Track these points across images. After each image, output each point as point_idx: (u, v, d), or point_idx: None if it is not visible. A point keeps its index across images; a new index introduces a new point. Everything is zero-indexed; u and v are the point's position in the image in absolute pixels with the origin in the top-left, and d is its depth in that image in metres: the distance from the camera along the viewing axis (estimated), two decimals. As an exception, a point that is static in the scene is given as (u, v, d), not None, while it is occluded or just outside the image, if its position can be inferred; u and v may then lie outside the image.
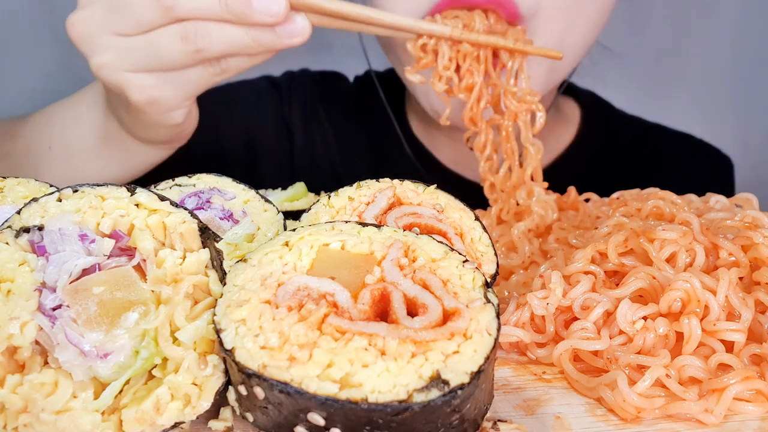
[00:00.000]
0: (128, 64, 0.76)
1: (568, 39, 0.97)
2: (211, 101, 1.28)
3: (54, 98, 1.00)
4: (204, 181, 0.68)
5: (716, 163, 1.38)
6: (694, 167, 1.35)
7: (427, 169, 1.26)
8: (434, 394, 0.41)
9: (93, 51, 0.76)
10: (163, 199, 0.52)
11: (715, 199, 0.78)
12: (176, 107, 0.82)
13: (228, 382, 0.47)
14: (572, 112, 1.34)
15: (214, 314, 0.46)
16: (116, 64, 0.76)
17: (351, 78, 1.42)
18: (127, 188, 0.52)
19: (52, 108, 1.00)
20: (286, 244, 0.51)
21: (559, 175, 1.26)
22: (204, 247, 0.51)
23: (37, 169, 0.97)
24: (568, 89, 1.36)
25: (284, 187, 0.83)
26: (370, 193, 0.62)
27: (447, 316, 0.46)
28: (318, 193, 0.82)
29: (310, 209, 0.61)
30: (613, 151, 1.32)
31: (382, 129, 1.30)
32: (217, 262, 0.50)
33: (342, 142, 1.33)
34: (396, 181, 0.63)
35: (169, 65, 0.76)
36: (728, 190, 1.35)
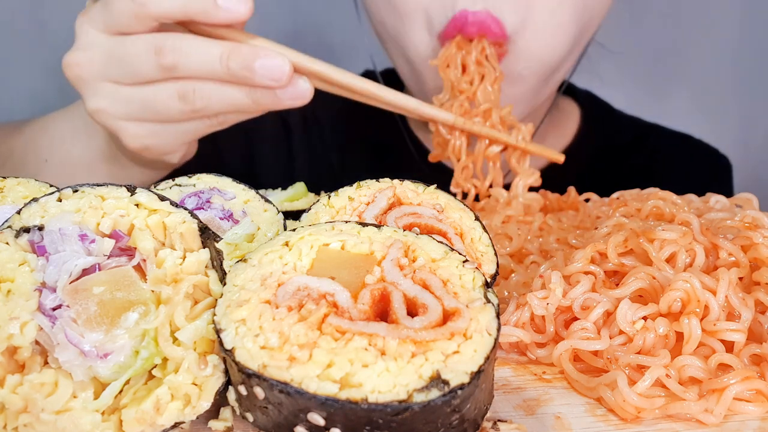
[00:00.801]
0: (123, 113, 0.76)
1: (557, 50, 0.97)
2: None
3: (53, 98, 1.00)
4: (204, 181, 0.68)
5: (715, 163, 1.38)
6: (693, 167, 1.35)
7: (428, 168, 1.26)
8: (434, 394, 0.41)
9: (89, 95, 0.76)
10: (163, 199, 0.52)
11: (715, 199, 0.78)
12: (172, 152, 0.82)
13: (228, 382, 0.47)
14: (571, 112, 1.34)
15: (214, 314, 0.46)
16: (112, 112, 0.76)
17: None
18: (127, 188, 0.52)
19: (50, 119, 0.98)
20: (286, 244, 0.51)
21: (558, 175, 1.27)
22: (204, 247, 0.51)
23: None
24: (567, 89, 1.36)
25: (284, 187, 0.83)
26: (370, 193, 0.62)
27: (447, 316, 0.46)
28: (318, 193, 0.82)
29: (310, 209, 0.61)
30: (612, 151, 1.32)
31: (381, 128, 1.30)
32: (217, 262, 0.51)
33: (341, 142, 1.33)
34: (396, 181, 0.63)
35: (166, 119, 0.76)
36: (727, 191, 1.35)
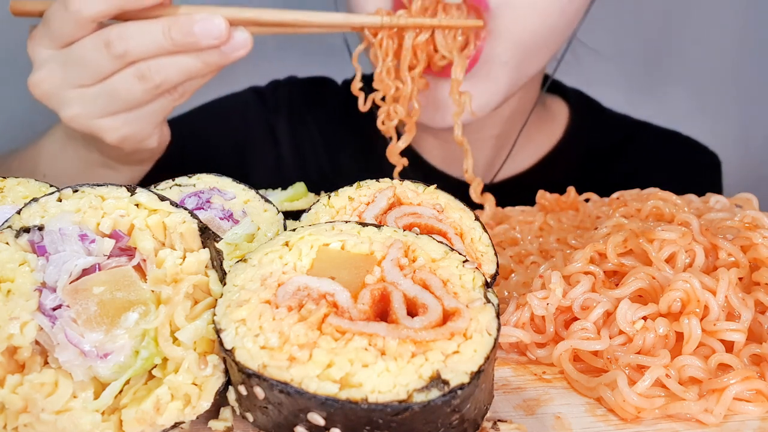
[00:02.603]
0: (96, 112, 0.81)
1: (539, 33, 0.96)
2: (201, 117, 1.33)
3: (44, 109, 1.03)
4: (204, 181, 0.68)
5: (703, 160, 1.38)
6: (681, 164, 1.35)
7: (414, 169, 1.27)
8: (434, 394, 0.41)
9: (60, 106, 0.81)
10: (163, 199, 0.52)
11: (715, 200, 0.78)
12: (148, 136, 0.87)
13: (228, 382, 0.47)
14: (560, 110, 1.35)
15: (214, 314, 0.46)
16: (85, 114, 0.81)
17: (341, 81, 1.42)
18: (127, 188, 0.52)
19: (41, 140, 1.05)
20: (286, 244, 0.51)
21: (547, 173, 1.27)
22: (204, 247, 0.51)
23: None
24: (556, 89, 1.36)
25: (284, 187, 0.83)
26: (370, 193, 0.62)
27: (447, 316, 0.46)
28: (316, 194, 0.82)
29: (310, 209, 0.61)
30: (600, 149, 1.32)
31: (370, 131, 1.30)
32: (217, 262, 0.51)
33: (330, 146, 1.34)
34: (396, 181, 0.63)
35: (133, 104, 0.81)
36: (716, 187, 1.35)
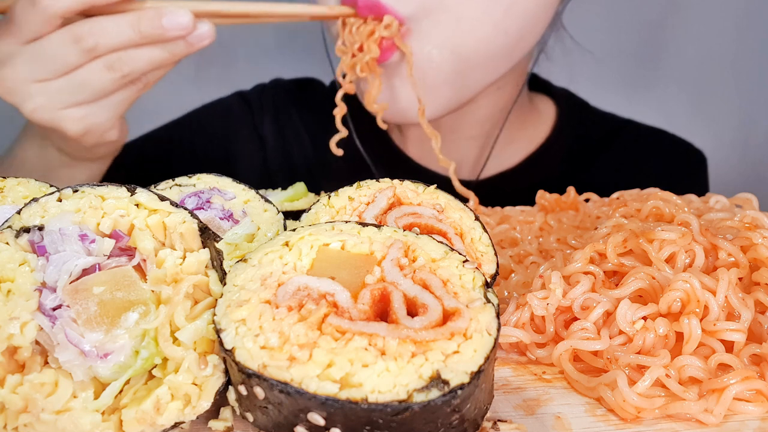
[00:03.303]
0: (59, 103, 0.82)
1: (467, 46, 0.96)
2: (187, 125, 1.35)
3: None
4: (204, 181, 0.68)
5: (689, 157, 1.39)
6: (666, 162, 1.36)
7: (397, 165, 1.28)
8: (434, 394, 0.41)
9: (22, 100, 0.82)
10: (163, 199, 0.52)
11: (715, 200, 0.78)
12: (110, 128, 0.89)
13: (228, 382, 0.47)
14: (547, 109, 1.35)
15: (214, 314, 0.46)
16: (48, 106, 0.82)
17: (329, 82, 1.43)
18: (127, 188, 0.52)
19: (13, 145, 1.06)
20: (286, 244, 0.51)
21: (533, 171, 1.28)
22: (204, 247, 0.51)
23: None
24: (544, 88, 1.36)
25: (284, 187, 0.83)
26: (370, 193, 0.62)
27: (447, 316, 0.46)
28: (316, 194, 0.82)
29: (310, 209, 0.61)
30: (587, 147, 1.33)
31: (358, 135, 1.30)
32: (217, 262, 0.51)
33: (318, 146, 1.34)
34: (396, 181, 0.63)
35: (99, 94, 0.83)
36: (701, 184, 1.36)
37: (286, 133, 1.36)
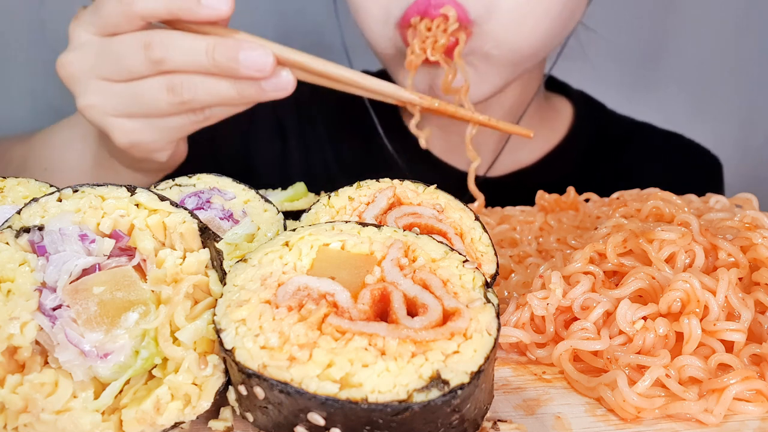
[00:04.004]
0: (113, 109, 0.78)
1: (523, 44, 0.98)
2: None
3: (54, 97, 1.02)
4: (204, 181, 0.68)
5: (705, 162, 1.39)
6: (683, 166, 1.36)
7: (416, 160, 1.27)
8: (434, 394, 0.41)
9: (80, 92, 0.79)
10: (163, 199, 0.52)
11: (715, 200, 0.78)
12: (159, 150, 0.84)
13: (228, 382, 0.47)
14: (564, 109, 1.36)
15: (214, 314, 0.46)
16: (101, 108, 0.79)
17: None
18: (127, 188, 0.52)
19: (49, 130, 1.02)
20: (286, 244, 0.51)
21: (548, 172, 1.28)
22: (204, 247, 0.51)
23: None
24: (560, 89, 1.36)
25: (284, 187, 0.83)
26: (370, 193, 0.62)
27: (447, 316, 0.46)
28: (317, 194, 0.82)
29: (310, 209, 0.61)
30: (603, 149, 1.33)
31: (374, 126, 1.30)
32: (217, 262, 0.51)
33: (335, 142, 1.34)
34: (396, 181, 0.63)
35: (154, 113, 0.78)
36: (717, 190, 1.35)
37: (306, 127, 1.35)
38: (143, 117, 0.79)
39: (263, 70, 0.74)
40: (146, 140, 0.81)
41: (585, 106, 1.36)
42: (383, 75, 1.36)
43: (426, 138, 0.94)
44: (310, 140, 1.34)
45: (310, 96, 1.37)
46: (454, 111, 0.88)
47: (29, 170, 1.01)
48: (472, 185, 0.95)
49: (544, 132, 1.31)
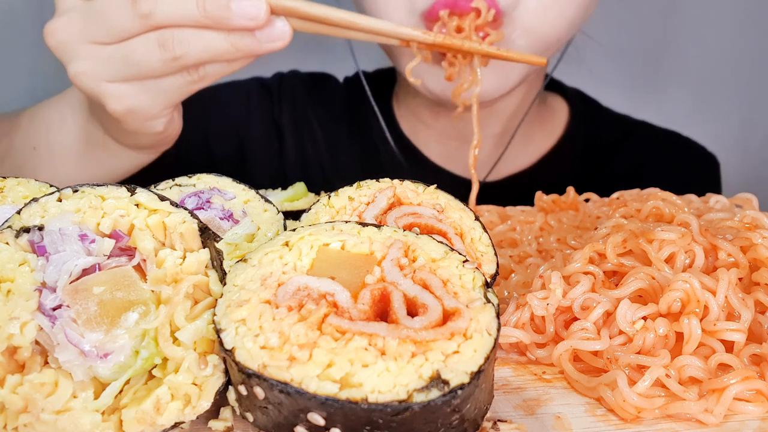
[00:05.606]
0: (105, 74, 0.75)
1: (549, 31, 0.98)
2: (201, 102, 1.29)
3: (51, 95, 1.00)
4: (204, 181, 0.68)
5: (702, 161, 1.39)
6: (680, 165, 1.36)
7: (415, 166, 1.27)
8: (434, 394, 0.41)
9: (70, 59, 0.76)
10: (163, 199, 0.52)
11: (715, 200, 0.78)
12: (155, 116, 0.80)
13: (228, 382, 0.47)
14: (560, 109, 1.35)
15: (214, 314, 0.46)
16: (93, 73, 0.75)
17: (341, 78, 1.42)
18: (127, 188, 0.52)
19: (38, 107, 0.98)
20: (286, 244, 0.51)
21: (547, 172, 1.27)
22: (204, 247, 0.51)
23: (19, 170, 0.95)
24: (556, 87, 1.36)
25: (284, 187, 0.83)
26: (370, 193, 0.62)
27: (447, 316, 0.46)
28: (316, 194, 0.82)
29: (310, 209, 0.61)
30: (599, 148, 1.33)
31: (371, 129, 1.31)
32: (217, 262, 0.51)
33: (331, 143, 1.33)
34: (396, 181, 0.63)
35: (147, 74, 0.75)
36: (714, 188, 1.35)
37: (302, 126, 1.35)
38: (137, 80, 0.76)
39: (256, 18, 0.71)
40: (141, 105, 0.78)
41: (581, 105, 1.36)
42: (383, 75, 1.36)
43: (420, 84, 0.93)
44: (306, 142, 1.34)
45: (306, 97, 1.38)
46: (460, 44, 0.84)
47: (17, 150, 0.97)
48: (473, 199, 0.94)
49: (542, 132, 1.31)
